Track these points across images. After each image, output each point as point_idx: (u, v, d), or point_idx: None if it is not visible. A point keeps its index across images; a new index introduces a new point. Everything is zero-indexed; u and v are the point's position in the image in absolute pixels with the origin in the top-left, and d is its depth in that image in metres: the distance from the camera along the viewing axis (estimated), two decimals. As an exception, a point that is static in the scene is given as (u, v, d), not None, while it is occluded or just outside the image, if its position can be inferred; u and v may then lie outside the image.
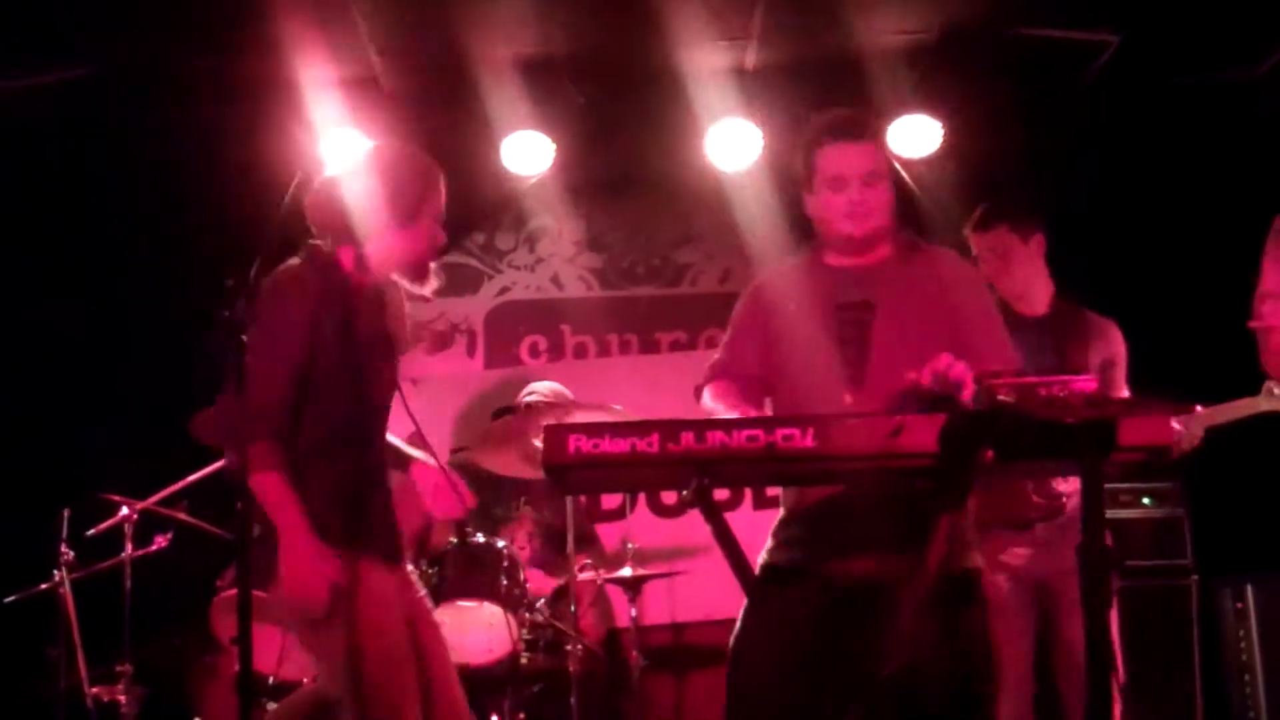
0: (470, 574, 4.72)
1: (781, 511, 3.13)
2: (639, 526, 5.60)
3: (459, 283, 6.53)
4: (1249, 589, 5.12)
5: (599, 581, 5.26)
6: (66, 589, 4.96)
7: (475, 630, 4.65)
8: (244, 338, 2.81)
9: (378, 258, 3.16)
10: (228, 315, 2.74)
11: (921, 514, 2.65)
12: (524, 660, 4.80)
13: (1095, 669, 2.42)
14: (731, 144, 5.83)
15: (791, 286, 3.21)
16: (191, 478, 4.91)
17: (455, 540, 4.81)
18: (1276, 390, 3.93)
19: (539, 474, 3.86)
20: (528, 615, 4.84)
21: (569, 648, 4.79)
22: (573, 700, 4.71)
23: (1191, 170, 5.64)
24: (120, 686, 4.87)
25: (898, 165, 5.14)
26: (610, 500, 6.15)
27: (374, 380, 3.14)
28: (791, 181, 3.30)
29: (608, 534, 5.97)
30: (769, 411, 3.18)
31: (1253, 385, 3.96)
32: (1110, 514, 3.23)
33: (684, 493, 2.63)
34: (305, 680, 4.57)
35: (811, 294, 3.15)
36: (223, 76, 5.45)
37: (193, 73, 5.40)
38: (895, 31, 5.45)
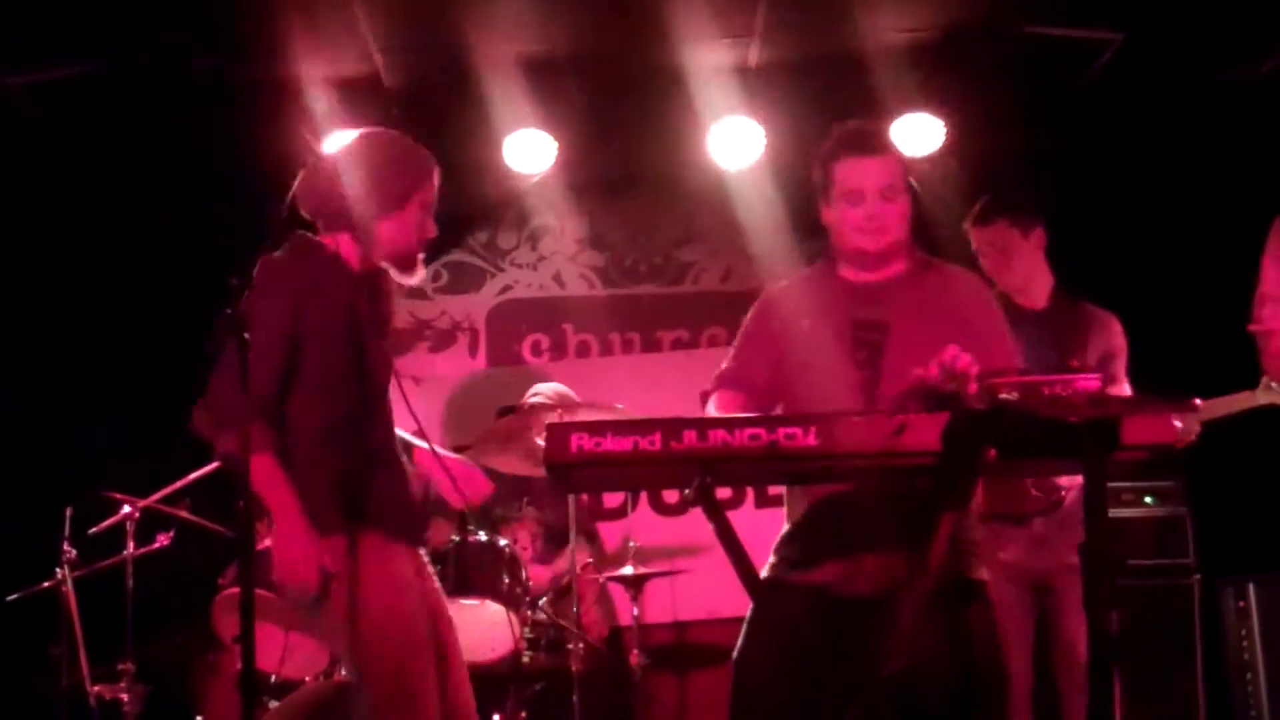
0: (472, 572, 4.72)
1: (786, 525, 3.14)
2: (641, 525, 5.60)
3: (461, 281, 6.53)
4: (1251, 588, 5.11)
5: (601, 580, 5.26)
6: (69, 587, 4.96)
7: (477, 629, 4.64)
8: (246, 335, 2.80)
9: (365, 245, 3.15)
10: (231, 313, 2.74)
11: (924, 515, 2.65)
12: (526, 659, 4.80)
13: (1097, 669, 2.42)
14: (734, 142, 5.83)
15: (805, 300, 3.20)
16: (193, 476, 4.91)
17: (456, 538, 4.80)
18: (1275, 385, 3.93)
19: (541, 472, 3.86)
20: (530, 614, 4.84)
21: (571, 646, 4.80)
22: (575, 699, 4.72)
23: (1193, 169, 5.64)
24: (122, 685, 4.87)
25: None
26: (612, 499, 6.16)
27: (373, 361, 3.13)
28: (800, 184, 3.30)
29: (609, 532, 5.98)
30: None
31: (1252, 383, 3.95)
32: (1112, 513, 3.22)
33: (686, 491, 2.63)
34: (307, 679, 4.57)
35: (826, 309, 3.15)
36: (224, 75, 5.45)
37: (194, 72, 5.40)
38: (898, 29, 5.45)
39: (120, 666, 4.89)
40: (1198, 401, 3.98)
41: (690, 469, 2.56)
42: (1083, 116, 5.75)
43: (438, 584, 3.23)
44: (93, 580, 5.01)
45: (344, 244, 3.15)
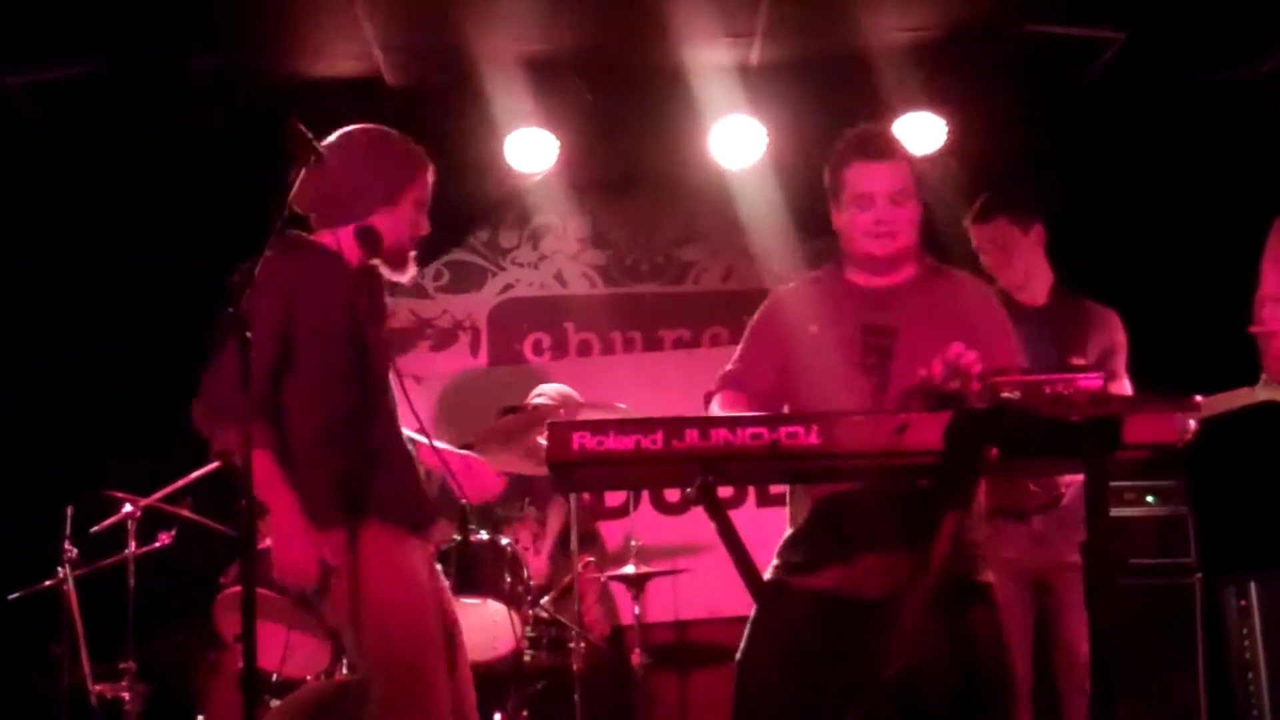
0: (473, 571, 4.71)
1: (789, 528, 3.14)
2: (642, 524, 5.60)
3: (462, 280, 6.53)
4: (1253, 587, 5.10)
5: (602, 579, 5.26)
6: (70, 586, 4.95)
7: (479, 627, 4.64)
8: (248, 334, 2.80)
9: (357, 239, 3.15)
10: (233, 312, 2.74)
11: (926, 514, 2.65)
12: (527, 658, 4.80)
13: (1099, 669, 2.42)
14: (736, 141, 5.82)
15: (813, 304, 3.20)
16: (195, 475, 4.91)
17: (458, 537, 4.80)
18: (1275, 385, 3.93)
19: (542, 471, 3.85)
20: (531, 613, 4.84)
21: (573, 645, 4.80)
22: (576, 698, 4.72)
23: (1193, 169, 5.64)
24: (124, 684, 4.87)
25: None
26: (614, 497, 6.16)
27: (374, 357, 3.13)
28: (801, 183, 3.30)
29: (611, 531, 5.98)
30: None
31: (1251, 381, 3.95)
32: (1113, 512, 3.23)
33: (688, 490, 2.63)
34: (309, 678, 4.57)
35: (834, 314, 3.15)
36: (224, 74, 5.45)
37: (194, 72, 5.40)
38: (900, 28, 5.45)
39: (122, 665, 4.88)
40: (1199, 399, 4.00)
41: (692, 468, 2.56)
42: (1084, 116, 5.75)
43: (445, 583, 3.23)
44: (94, 579, 5.01)
45: (344, 240, 3.15)
